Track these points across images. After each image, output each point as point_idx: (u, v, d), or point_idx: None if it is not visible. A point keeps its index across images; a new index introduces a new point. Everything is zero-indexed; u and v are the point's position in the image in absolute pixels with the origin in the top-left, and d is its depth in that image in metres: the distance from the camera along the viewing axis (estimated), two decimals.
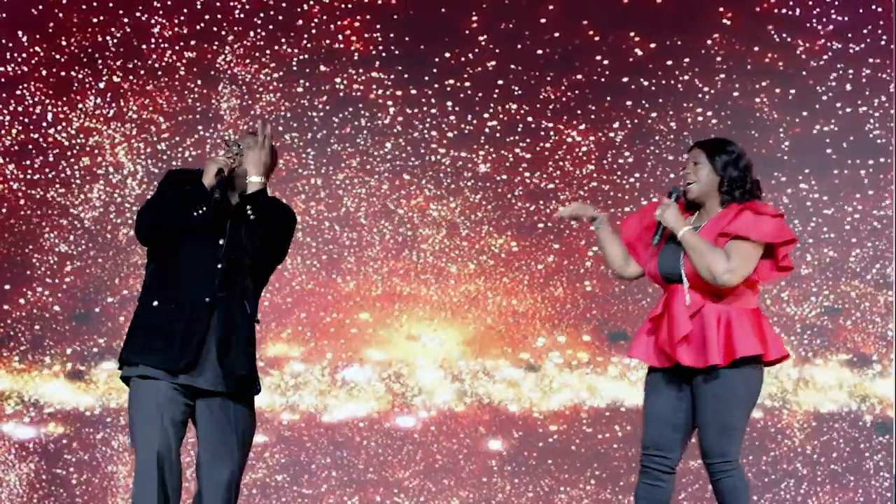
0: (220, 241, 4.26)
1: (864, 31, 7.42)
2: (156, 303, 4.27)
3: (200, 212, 4.20)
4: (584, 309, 7.46)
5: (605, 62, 7.53)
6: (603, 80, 7.52)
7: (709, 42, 7.48)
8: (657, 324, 4.35)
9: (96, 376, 7.37)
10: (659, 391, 4.36)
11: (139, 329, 4.29)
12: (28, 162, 7.43)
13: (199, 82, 7.50)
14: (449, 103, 7.53)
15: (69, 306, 7.39)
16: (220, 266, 4.24)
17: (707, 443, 4.25)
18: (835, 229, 7.40)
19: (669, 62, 7.49)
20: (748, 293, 4.29)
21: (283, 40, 7.57)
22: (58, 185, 7.43)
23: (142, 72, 7.45)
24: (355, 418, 7.45)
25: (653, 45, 7.51)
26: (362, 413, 7.45)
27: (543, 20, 7.55)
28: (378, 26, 7.50)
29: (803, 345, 7.39)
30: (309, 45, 7.57)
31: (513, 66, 7.54)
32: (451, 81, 7.53)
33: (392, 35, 7.50)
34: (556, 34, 7.54)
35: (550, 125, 7.55)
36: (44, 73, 7.45)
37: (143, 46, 7.46)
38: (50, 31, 7.45)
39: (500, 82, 7.53)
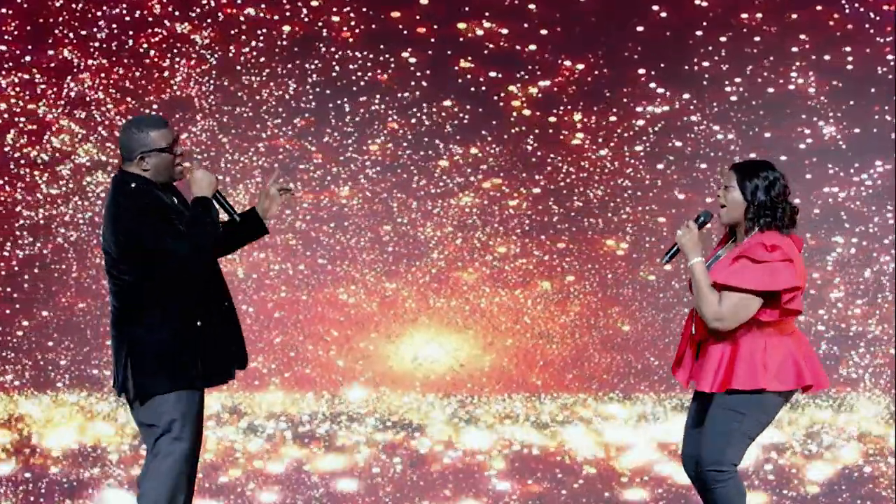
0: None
1: None
2: (196, 322, 4.47)
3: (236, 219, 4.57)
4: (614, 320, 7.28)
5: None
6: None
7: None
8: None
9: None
10: (693, 410, 4.60)
11: (191, 349, 4.48)
12: None
13: (163, 62, 7.22)
14: (453, 97, 7.27)
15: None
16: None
17: (702, 450, 4.43)
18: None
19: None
20: (756, 330, 4.39)
21: (269, 17, 7.20)
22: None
23: (95, 46, 7.10)
24: (351, 448, 7.22)
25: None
26: (360, 442, 7.24)
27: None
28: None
29: None
30: (300, 21, 7.20)
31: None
32: (456, 70, 7.25)
33: (391, 13, 7.22)
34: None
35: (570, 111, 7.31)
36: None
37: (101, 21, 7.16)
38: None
39: (502, 76, 7.29)
